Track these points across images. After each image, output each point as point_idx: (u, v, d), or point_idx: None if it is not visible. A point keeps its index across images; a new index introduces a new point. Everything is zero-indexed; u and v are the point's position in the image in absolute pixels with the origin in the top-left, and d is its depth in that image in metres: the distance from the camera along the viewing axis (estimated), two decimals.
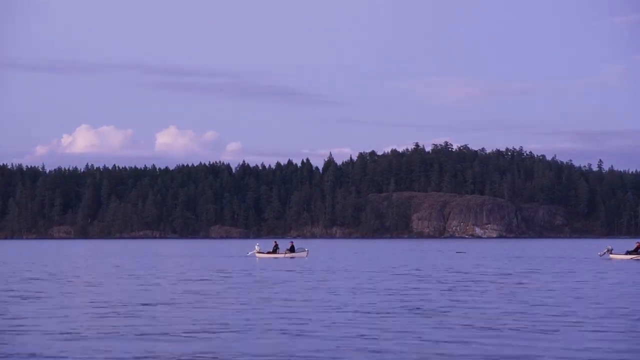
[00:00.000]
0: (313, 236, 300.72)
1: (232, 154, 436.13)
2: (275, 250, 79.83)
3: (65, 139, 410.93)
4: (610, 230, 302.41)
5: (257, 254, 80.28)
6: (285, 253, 78.39)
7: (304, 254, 78.38)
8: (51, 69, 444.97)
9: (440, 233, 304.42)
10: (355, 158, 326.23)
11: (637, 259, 69.61)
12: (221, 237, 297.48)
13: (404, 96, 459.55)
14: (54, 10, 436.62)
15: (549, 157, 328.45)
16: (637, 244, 72.16)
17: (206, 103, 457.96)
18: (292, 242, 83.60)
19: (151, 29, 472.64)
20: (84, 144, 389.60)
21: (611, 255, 73.24)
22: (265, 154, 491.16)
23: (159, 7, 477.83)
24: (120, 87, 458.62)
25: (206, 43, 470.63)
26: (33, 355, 18.93)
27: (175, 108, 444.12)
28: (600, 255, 75.21)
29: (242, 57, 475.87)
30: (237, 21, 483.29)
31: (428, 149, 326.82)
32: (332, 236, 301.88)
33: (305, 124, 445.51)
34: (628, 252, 72.28)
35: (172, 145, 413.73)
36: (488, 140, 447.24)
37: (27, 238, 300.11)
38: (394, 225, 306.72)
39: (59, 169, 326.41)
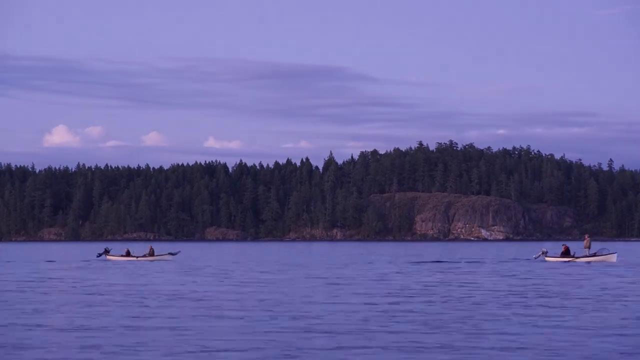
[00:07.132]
0: (313, 238, 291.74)
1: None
2: None
3: None
4: (621, 232, 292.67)
5: None
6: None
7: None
8: None
9: (445, 235, 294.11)
10: (356, 157, 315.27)
11: (569, 262, 68.62)
12: (217, 240, 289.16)
13: (407, 94, 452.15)
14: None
15: (557, 156, 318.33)
16: (564, 247, 72.50)
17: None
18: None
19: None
20: None
21: (546, 258, 72.75)
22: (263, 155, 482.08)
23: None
24: None
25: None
26: None
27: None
28: (535, 258, 74.67)
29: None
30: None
31: (432, 147, 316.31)
32: (332, 238, 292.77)
33: (306, 120, 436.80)
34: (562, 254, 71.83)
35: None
36: (494, 138, 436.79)
37: (15, 240, 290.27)
38: (396, 227, 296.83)
39: (49, 168, 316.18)
